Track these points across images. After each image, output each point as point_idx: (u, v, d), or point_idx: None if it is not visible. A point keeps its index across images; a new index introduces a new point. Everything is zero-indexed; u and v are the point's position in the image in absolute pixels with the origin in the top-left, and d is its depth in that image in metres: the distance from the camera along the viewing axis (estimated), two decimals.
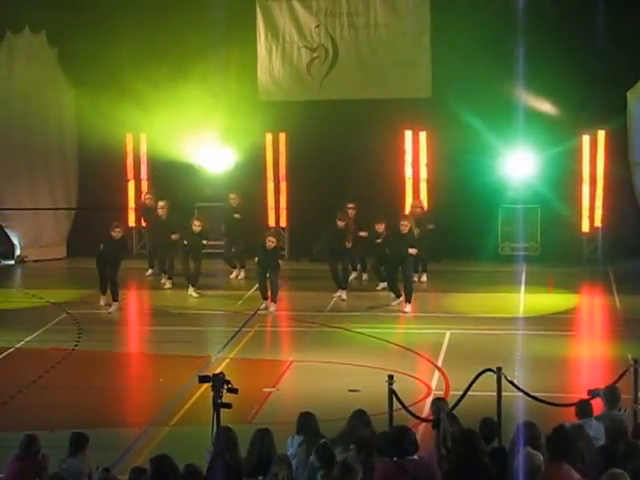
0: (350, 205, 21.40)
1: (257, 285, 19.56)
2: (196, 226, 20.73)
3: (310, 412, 9.86)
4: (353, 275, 21.78)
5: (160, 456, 8.82)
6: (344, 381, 14.70)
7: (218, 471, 8.50)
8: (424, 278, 21.70)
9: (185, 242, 20.75)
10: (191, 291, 20.51)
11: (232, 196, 22.44)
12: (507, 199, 23.13)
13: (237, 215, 22.29)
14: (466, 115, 21.49)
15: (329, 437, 9.37)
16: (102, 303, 19.45)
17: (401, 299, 19.14)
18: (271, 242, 19.31)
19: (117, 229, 19.42)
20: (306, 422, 9.72)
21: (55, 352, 16.47)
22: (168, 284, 21.41)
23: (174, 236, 21.14)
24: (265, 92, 24.02)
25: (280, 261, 19.68)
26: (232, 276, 22.36)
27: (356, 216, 21.29)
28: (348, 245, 20.24)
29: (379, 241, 20.18)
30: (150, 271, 22.50)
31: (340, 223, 20.28)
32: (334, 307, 19.48)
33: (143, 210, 22.81)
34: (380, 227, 20.20)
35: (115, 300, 19.35)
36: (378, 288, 20.62)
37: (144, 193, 23.32)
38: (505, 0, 21.92)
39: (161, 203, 21.60)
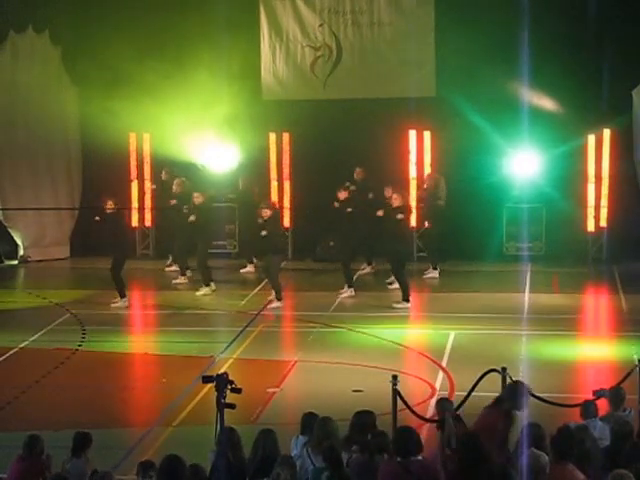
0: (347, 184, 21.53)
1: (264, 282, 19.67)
2: (196, 197, 20.57)
3: (314, 412, 9.81)
4: (367, 270, 21.85)
5: (171, 456, 8.77)
6: (348, 381, 14.66)
7: (221, 471, 8.47)
8: (431, 274, 21.68)
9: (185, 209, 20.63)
10: (203, 291, 20.47)
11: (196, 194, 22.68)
12: (512, 199, 23.09)
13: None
14: (471, 114, 21.47)
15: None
16: (125, 305, 19.49)
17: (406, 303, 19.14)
18: (265, 213, 19.15)
19: (109, 202, 19.25)
20: (311, 422, 9.66)
21: (58, 352, 16.44)
22: (181, 280, 21.46)
23: (172, 201, 21.19)
24: (269, 91, 24.00)
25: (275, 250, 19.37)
26: (244, 270, 22.48)
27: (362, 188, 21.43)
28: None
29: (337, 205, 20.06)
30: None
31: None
32: (338, 307, 19.44)
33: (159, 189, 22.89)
34: (388, 191, 19.84)
35: (122, 297, 19.42)
36: (388, 281, 20.58)
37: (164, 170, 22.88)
38: None
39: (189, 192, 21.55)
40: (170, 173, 22.42)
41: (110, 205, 19.27)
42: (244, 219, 22.81)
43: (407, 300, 18.97)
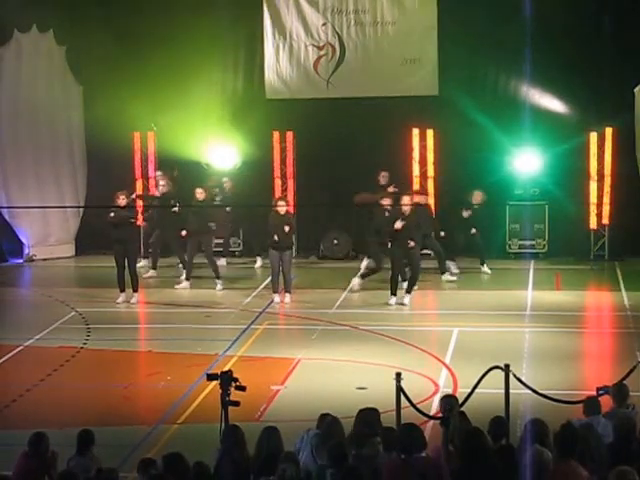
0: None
1: (270, 277, 19.67)
2: (199, 194, 20.77)
3: (330, 414, 9.67)
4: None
5: (173, 454, 8.81)
6: (352, 379, 14.71)
7: (226, 469, 8.51)
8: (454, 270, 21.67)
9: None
10: (219, 286, 20.70)
11: (225, 179, 23.20)
12: (514, 196, 23.13)
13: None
14: (473, 113, 21.49)
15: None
16: (120, 300, 19.56)
17: (395, 298, 19.14)
18: (281, 206, 19.33)
19: (122, 196, 19.48)
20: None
21: (63, 350, 16.50)
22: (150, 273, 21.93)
23: (184, 232, 21.09)
24: (272, 90, 24.03)
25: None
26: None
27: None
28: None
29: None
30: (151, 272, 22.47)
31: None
32: (342, 304, 19.49)
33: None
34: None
35: (135, 291, 19.59)
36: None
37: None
38: None
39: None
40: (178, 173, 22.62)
41: (123, 199, 19.47)
42: (252, 216, 23.03)
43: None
